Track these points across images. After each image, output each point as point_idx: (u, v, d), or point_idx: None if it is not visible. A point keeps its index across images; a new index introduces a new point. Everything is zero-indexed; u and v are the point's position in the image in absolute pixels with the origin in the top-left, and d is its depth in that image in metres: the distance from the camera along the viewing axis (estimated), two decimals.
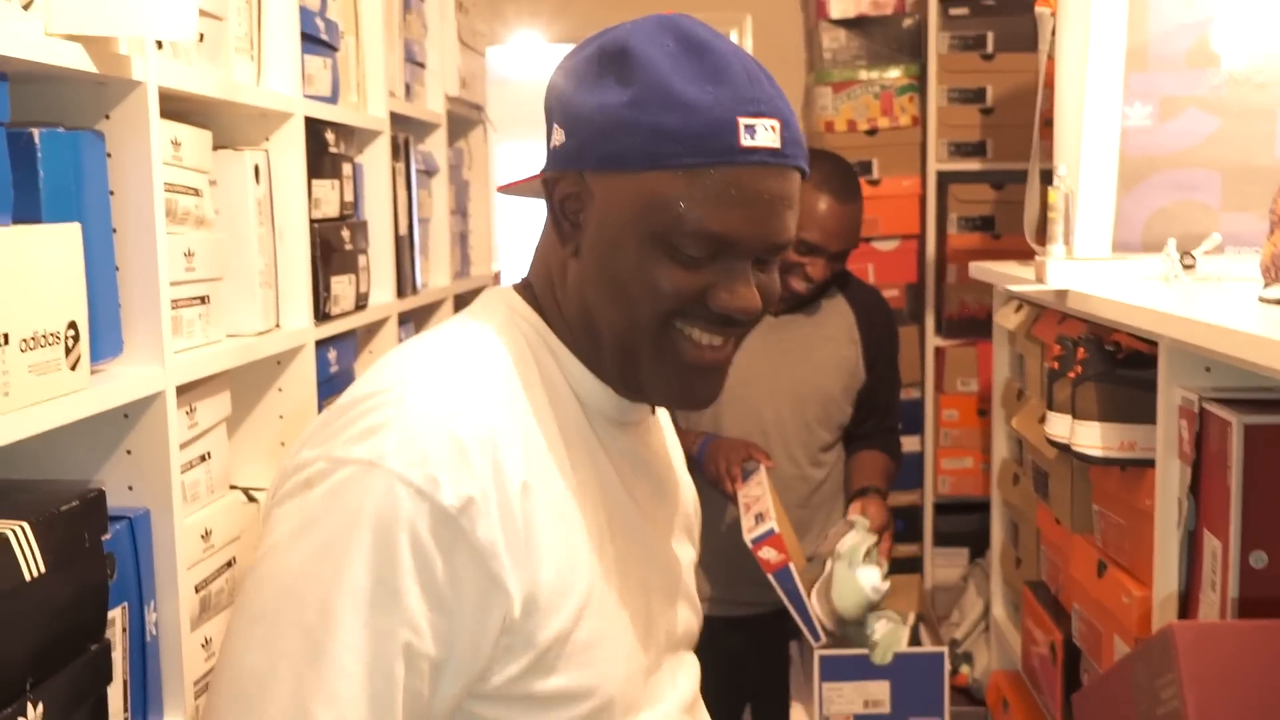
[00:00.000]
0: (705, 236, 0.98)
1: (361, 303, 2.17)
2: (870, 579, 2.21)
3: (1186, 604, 1.46)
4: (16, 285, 1.14)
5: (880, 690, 2.35)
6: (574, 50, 1.07)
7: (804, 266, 2.41)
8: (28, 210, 1.21)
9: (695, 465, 2.39)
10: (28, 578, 1.14)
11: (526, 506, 0.95)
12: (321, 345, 1.99)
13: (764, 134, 0.97)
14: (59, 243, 1.22)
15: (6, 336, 1.12)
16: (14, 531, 1.13)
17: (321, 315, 1.97)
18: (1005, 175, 3.65)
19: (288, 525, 0.93)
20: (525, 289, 1.11)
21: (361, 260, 2.16)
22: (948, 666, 2.36)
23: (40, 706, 1.16)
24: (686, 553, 1.23)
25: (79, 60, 1.24)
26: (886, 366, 2.63)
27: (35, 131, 1.22)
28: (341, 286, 2.06)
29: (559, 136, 1.03)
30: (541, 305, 1.09)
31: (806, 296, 2.48)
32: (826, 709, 2.33)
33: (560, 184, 1.04)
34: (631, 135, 0.97)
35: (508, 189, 1.17)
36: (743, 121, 0.96)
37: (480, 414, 0.96)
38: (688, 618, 1.21)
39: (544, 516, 0.97)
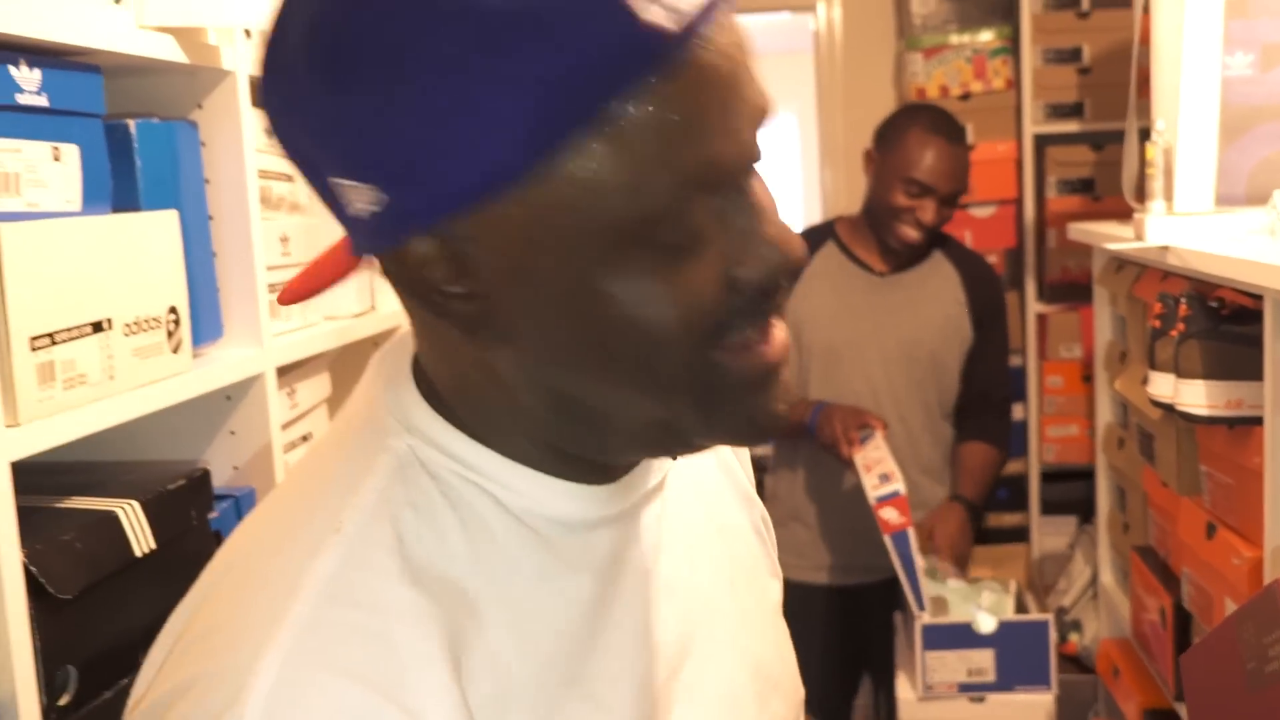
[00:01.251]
0: (686, 194, 0.59)
1: None
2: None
3: None
4: (118, 271, 1.18)
5: (984, 659, 2.33)
6: (269, 44, 0.60)
7: (914, 211, 2.40)
8: (126, 199, 1.25)
9: (808, 432, 2.41)
10: (138, 554, 1.18)
11: None
12: None
13: None
14: (158, 230, 1.26)
15: (110, 321, 1.16)
16: (124, 509, 1.17)
17: None
18: (1104, 136, 3.56)
19: None
20: (425, 386, 0.69)
21: None
22: (1054, 634, 2.33)
23: None
24: (760, 600, 0.86)
25: (170, 51, 1.27)
26: (993, 329, 2.61)
27: (131, 122, 1.26)
28: None
29: (364, 196, 0.59)
30: (454, 409, 0.68)
31: (917, 248, 2.47)
32: (930, 678, 2.32)
33: (408, 259, 0.60)
34: (489, 133, 0.55)
35: (294, 299, 0.76)
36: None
37: (366, 701, 0.59)
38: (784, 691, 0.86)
39: None
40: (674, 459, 0.75)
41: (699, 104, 0.57)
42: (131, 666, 1.18)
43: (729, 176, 0.60)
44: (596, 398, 0.64)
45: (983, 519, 2.60)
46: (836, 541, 2.55)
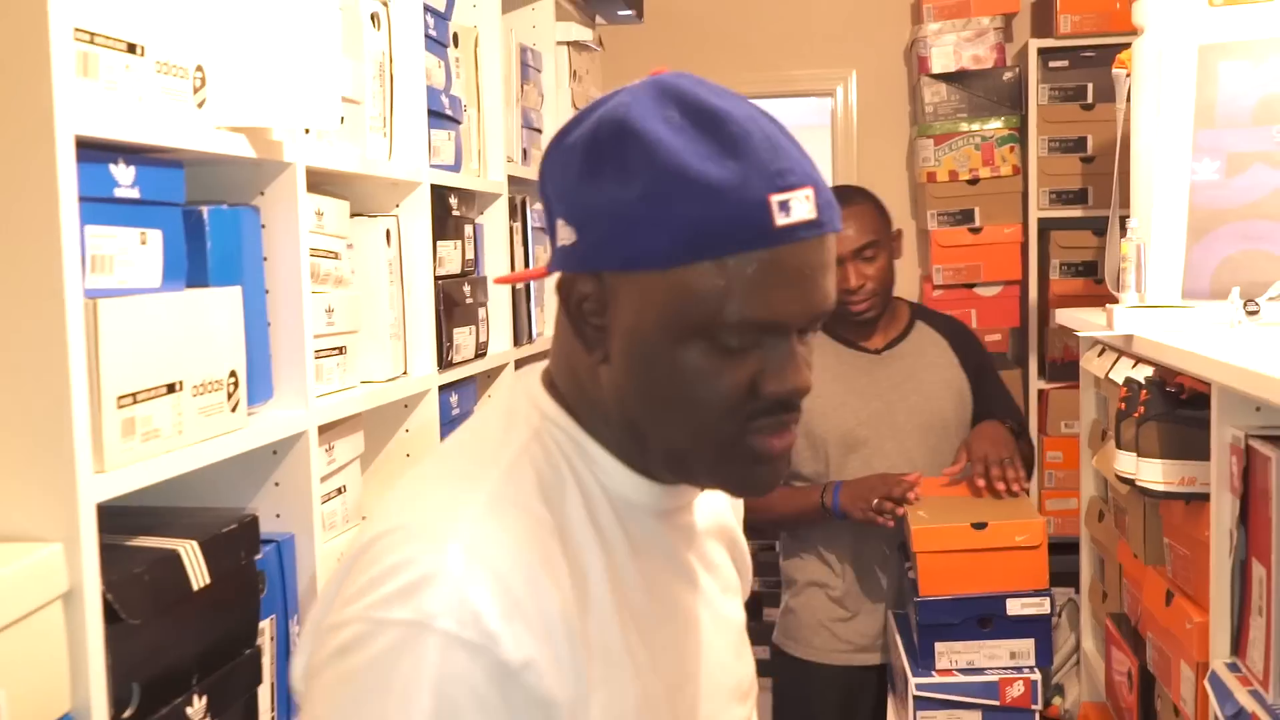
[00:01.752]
0: (750, 326, 0.89)
1: (481, 351, 2.37)
2: None
3: (1239, 629, 1.57)
4: (189, 340, 1.36)
5: (971, 718, 2.45)
6: (566, 127, 0.97)
7: (840, 284, 2.49)
8: (197, 276, 1.43)
9: (829, 514, 2.50)
10: (195, 588, 1.34)
11: (576, 655, 0.89)
12: (444, 390, 2.19)
13: (799, 207, 0.88)
14: (224, 304, 1.44)
15: (181, 383, 1.34)
16: (185, 549, 1.34)
17: (445, 363, 2.18)
18: (1106, 222, 3.72)
19: (332, 700, 0.86)
20: (552, 386, 1.02)
21: (481, 312, 2.36)
22: (1042, 695, 2.45)
23: (204, 699, 1.36)
24: (737, 614, 1.15)
25: (241, 148, 1.46)
26: (990, 378, 2.73)
27: (204, 209, 1.44)
28: (463, 337, 2.26)
29: (566, 234, 0.94)
30: (571, 405, 1.00)
31: (870, 309, 2.56)
32: None
33: (576, 286, 0.94)
34: (652, 232, 0.88)
35: (509, 280, 1.09)
36: (775, 199, 0.88)
37: (527, 561, 0.89)
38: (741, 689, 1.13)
39: (595, 657, 0.91)
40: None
41: (780, 280, 0.89)
42: (185, 687, 1.35)
43: (778, 329, 0.91)
44: (647, 423, 0.95)
45: (1022, 437, 2.62)
46: (859, 622, 2.62)
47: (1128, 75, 2.19)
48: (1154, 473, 1.76)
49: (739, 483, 0.97)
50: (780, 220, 0.88)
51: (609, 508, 0.97)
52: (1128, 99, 2.20)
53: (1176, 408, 1.76)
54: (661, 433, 0.94)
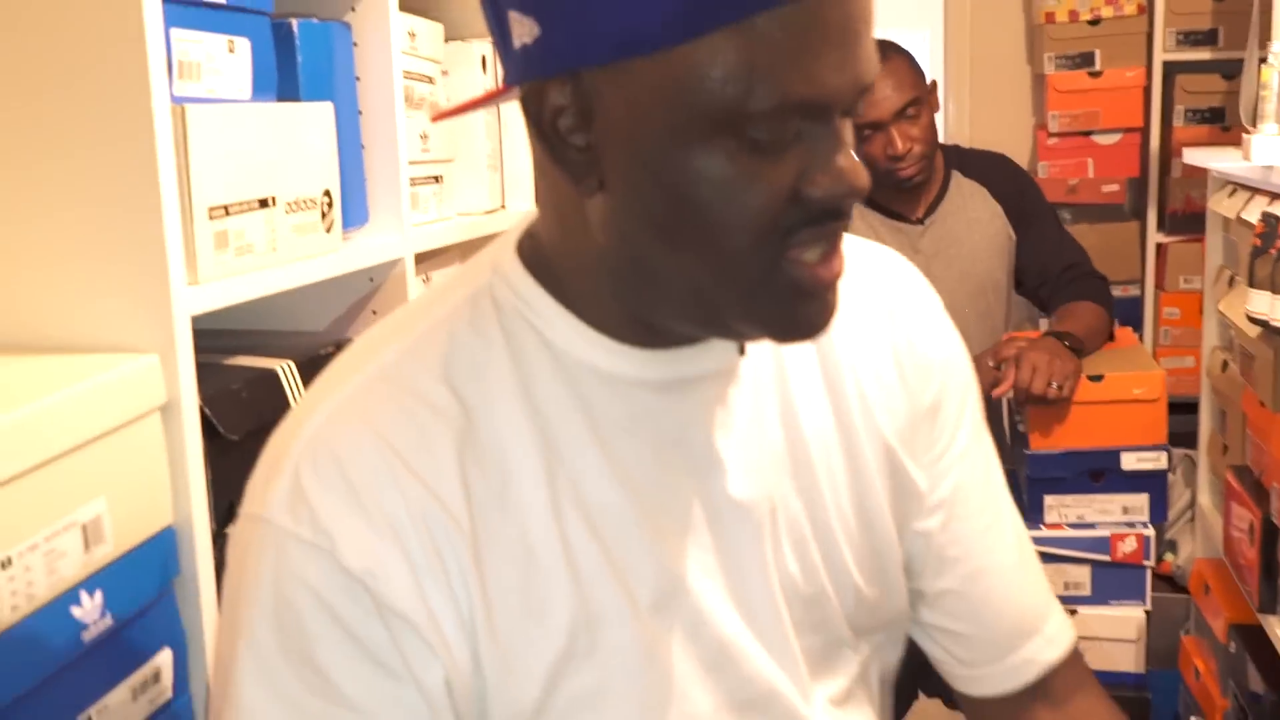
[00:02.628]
0: (788, 109, 0.67)
1: None
2: None
3: None
4: (281, 155, 1.32)
5: (1081, 573, 2.39)
6: None
7: (886, 150, 2.32)
8: (288, 90, 1.38)
9: None
10: (293, 406, 1.33)
11: (452, 569, 0.73)
12: None
13: None
14: (315, 119, 1.39)
15: (274, 199, 1.30)
16: (282, 368, 1.32)
17: None
18: (1238, 65, 3.48)
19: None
20: (530, 237, 0.80)
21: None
22: (1154, 552, 2.39)
23: None
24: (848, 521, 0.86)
25: None
26: (1035, 213, 2.52)
27: (294, 21, 1.39)
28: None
29: (524, 29, 0.69)
30: (549, 259, 0.78)
31: (920, 173, 2.38)
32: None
33: (547, 98, 0.70)
34: (635, 2, 0.65)
35: (446, 115, 0.89)
36: None
37: (385, 454, 0.74)
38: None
39: (502, 571, 0.74)
40: (738, 345, 0.80)
41: (817, 42, 0.66)
42: None
43: (821, 109, 0.68)
44: (659, 257, 0.71)
45: (1082, 353, 2.34)
46: None
47: None
48: None
49: (781, 325, 0.73)
50: None
51: (562, 383, 0.77)
52: None
53: None
54: (682, 269, 0.71)
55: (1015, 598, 0.92)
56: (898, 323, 0.89)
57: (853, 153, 0.70)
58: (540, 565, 0.75)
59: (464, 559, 0.73)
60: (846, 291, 0.77)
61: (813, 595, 0.83)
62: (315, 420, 0.75)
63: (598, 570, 0.76)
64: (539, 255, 0.79)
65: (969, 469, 0.91)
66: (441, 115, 0.88)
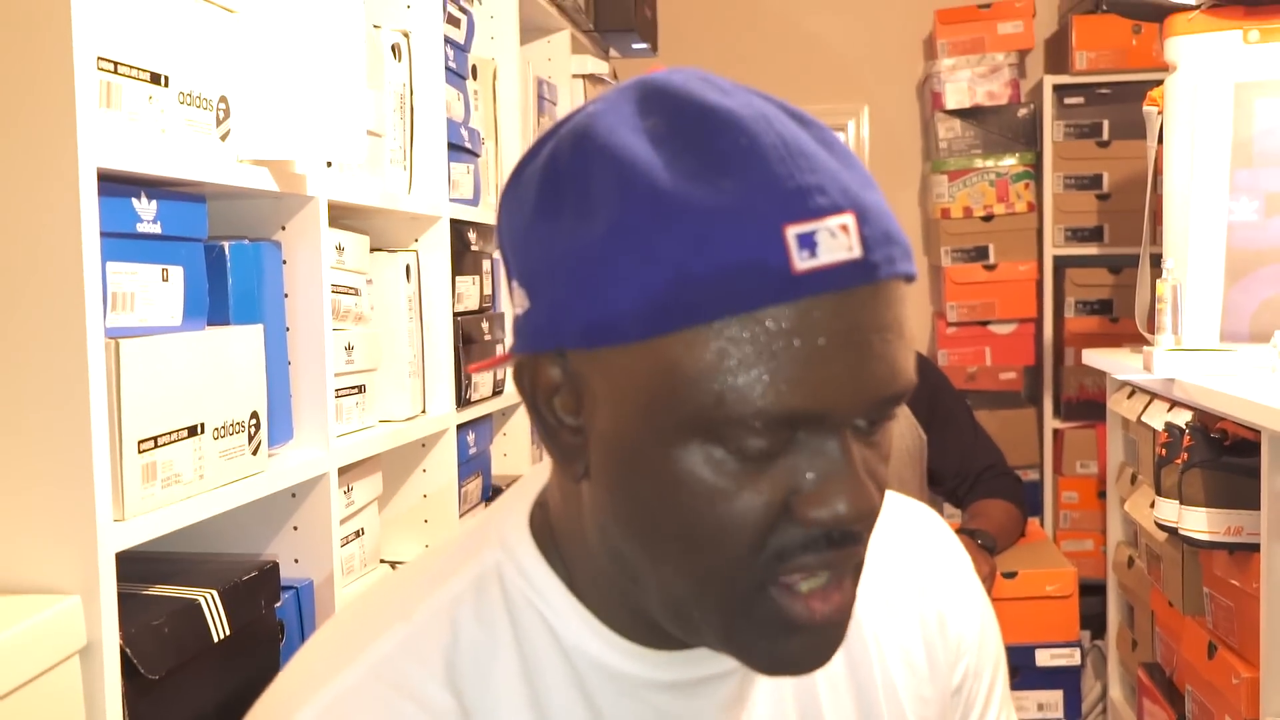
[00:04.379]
0: (770, 420, 0.61)
1: (498, 389, 2.32)
2: None
3: None
4: (211, 381, 1.30)
5: None
6: (526, 155, 0.70)
7: None
8: (218, 313, 1.38)
9: None
10: (215, 639, 1.28)
11: None
12: (462, 429, 2.14)
13: (830, 243, 0.60)
14: (245, 342, 1.38)
15: (203, 426, 1.28)
16: (205, 598, 1.28)
17: (463, 401, 2.12)
18: (1123, 260, 3.69)
19: None
20: (542, 508, 0.76)
21: (499, 349, 2.31)
22: None
23: None
24: None
25: (264, 181, 1.41)
26: (948, 412, 2.55)
27: (226, 245, 1.39)
28: (481, 374, 2.21)
29: (520, 300, 0.67)
30: (556, 535, 0.74)
31: None
32: None
33: (540, 374, 0.67)
34: (619, 287, 0.61)
35: (479, 369, 0.87)
36: (792, 231, 0.59)
37: None
38: None
39: None
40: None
41: (813, 352, 0.60)
42: None
43: (816, 421, 0.61)
44: (637, 561, 0.66)
45: (994, 551, 2.38)
46: None
47: (1159, 113, 2.15)
48: (1198, 521, 1.71)
49: (762, 659, 0.65)
50: (802, 263, 0.59)
51: (572, 682, 0.71)
52: (1159, 137, 2.16)
53: (1222, 455, 1.71)
54: (659, 577, 0.66)
55: None
56: (928, 596, 0.83)
57: (861, 470, 0.63)
58: None
59: None
60: (873, 555, 0.72)
61: None
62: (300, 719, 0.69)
63: None
64: (550, 531, 0.73)
65: None
66: (475, 368, 0.82)
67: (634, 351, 0.62)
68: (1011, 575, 2.33)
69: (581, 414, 0.66)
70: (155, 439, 1.20)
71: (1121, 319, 3.70)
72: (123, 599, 1.16)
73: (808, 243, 0.59)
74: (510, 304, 0.70)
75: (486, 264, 2.29)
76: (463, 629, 0.71)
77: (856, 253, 0.60)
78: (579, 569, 0.72)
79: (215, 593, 1.30)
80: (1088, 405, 3.73)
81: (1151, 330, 2.11)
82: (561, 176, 0.65)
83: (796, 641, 0.64)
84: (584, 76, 3.02)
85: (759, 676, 0.75)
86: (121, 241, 1.19)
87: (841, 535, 0.63)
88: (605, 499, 0.67)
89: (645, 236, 0.60)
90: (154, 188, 1.25)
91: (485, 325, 2.23)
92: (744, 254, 0.59)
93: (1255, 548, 1.61)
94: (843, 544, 0.63)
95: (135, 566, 1.29)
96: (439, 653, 0.70)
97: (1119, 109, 3.71)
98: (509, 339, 0.67)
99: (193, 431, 1.27)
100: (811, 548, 0.63)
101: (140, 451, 1.17)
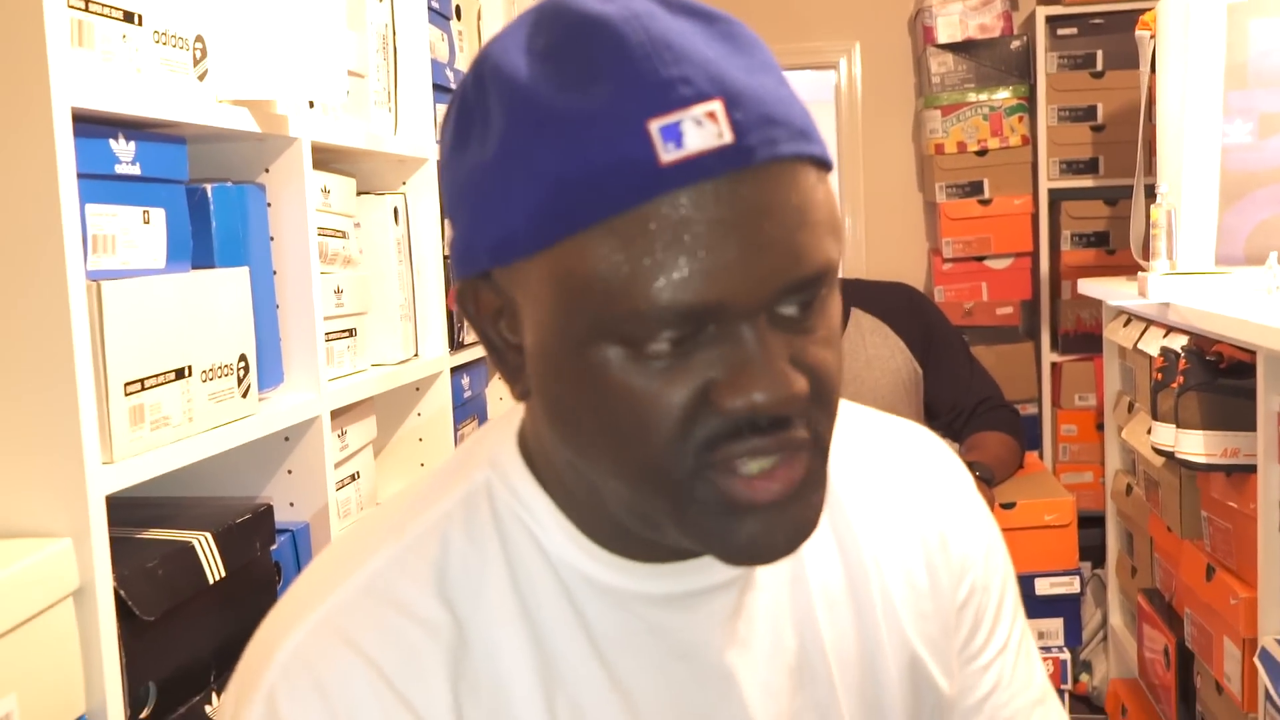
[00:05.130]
0: (668, 314, 0.61)
1: None
2: None
3: None
4: (197, 323, 1.30)
5: None
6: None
7: None
8: (203, 257, 1.36)
9: None
10: (210, 581, 1.28)
11: None
12: (456, 372, 2.13)
13: (698, 131, 0.60)
14: (231, 285, 1.37)
15: (190, 368, 1.28)
16: (199, 540, 1.28)
17: (455, 344, 2.12)
18: (1118, 191, 3.66)
19: None
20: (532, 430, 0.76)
21: None
22: (1070, 675, 2.41)
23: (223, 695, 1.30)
24: None
25: (245, 122, 1.39)
26: (943, 343, 2.53)
27: (208, 187, 1.38)
28: None
29: (449, 229, 0.71)
30: (534, 459, 0.75)
31: None
32: None
33: (479, 298, 0.69)
34: (511, 202, 0.63)
35: (453, 299, 0.87)
36: (655, 125, 0.60)
37: (371, 680, 0.69)
38: None
39: None
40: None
41: (687, 248, 0.60)
42: (203, 685, 1.29)
43: (716, 312, 0.61)
44: (586, 468, 0.68)
45: (992, 483, 2.35)
46: None
47: (1152, 37, 2.13)
48: (1195, 444, 1.70)
49: (723, 545, 0.65)
50: (667, 155, 0.59)
51: (561, 595, 0.72)
52: (1152, 62, 2.13)
53: (1217, 377, 1.71)
54: (605, 483, 0.67)
55: None
56: (929, 516, 0.83)
57: (776, 357, 0.62)
58: None
59: None
60: (873, 477, 0.73)
61: None
62: (293, 639, 0.69)
63: None
64: (530, 453, 0.74)
65: (1007, 663, 0.85)
66: (450, 299, 0.82)
67: (536, 264, 0.64)
68: (1010, 506, 2.33)
69: (519, 334, 0.68)
70: (142, 381, 1.19)
71: (1118, 251, 3.69)
72: (117, 543, 1.16)
73: (672, 134, 0.60)
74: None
75: None
76: (453, 545, 0.72)
77: (727, 138, 0.60)
78: (558, 487, 0.73)
79: (209, 535, 1.29)
80: (1085, 338, 3.73)
81: (1147, 258, 2.10)
82: (467, 106, 0.67)
83: (749, 524, 0.64)
84: None
85: (756, 592, 0.75)
86: (100, 183, 1.18)
87: (770, 421, 0.63)
88: (541, 410, 0.69)
89: (529, 151, 0.62)
90: (132, 129, 1.23)
91: None
92: (613, 155, 0.60)
93: (1252, 469, 1.61)
94: (773, 430, 0.63)
95: (128, 511, 1.29)
96: (430, 568, 0.71)
97: (1112, 39, 3.67)
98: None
99: (180, 374, 1.26)
100: (737, 436, 0.63)
101: (127, 394, 1.17)
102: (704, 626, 0.73)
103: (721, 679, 0.73)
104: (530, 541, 0.72)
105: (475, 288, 0.69)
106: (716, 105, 0.60)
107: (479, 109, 0.66)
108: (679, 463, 0.64)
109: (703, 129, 0.60)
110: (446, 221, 0.72)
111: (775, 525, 0.65)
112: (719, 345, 0.62)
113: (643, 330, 0.61)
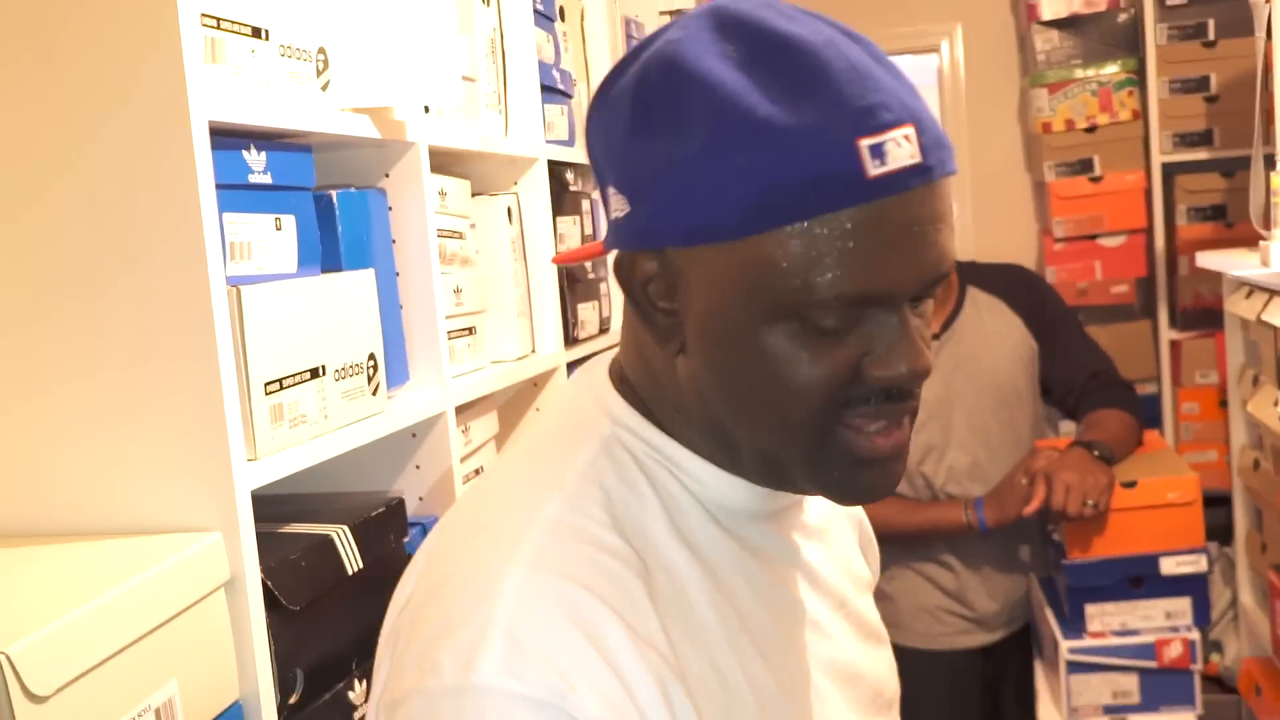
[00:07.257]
0: (848, 300, 0.74)
1: (604, 326, 2.35)
2: None
3: None
4: (328, 325, 1.35)
5: (1129, 681, 2.37)
6: (609, 75, 0.82)
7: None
8: (330, 259, 1.42)
9: (974, 531, 2.34)
10: (349, 572, 1.34)
11: (667, 700, 0.77)
12: (571, 367, 2.17)
13: (897, 151, 0.72)
14: (358, 287, 1.42)
15: (324, 368, 1.33)
16: (337, 533, 1.33)
17: (570, 339, 2.15)
18: (1235, 162, 3.57)
19: None
20: (623, 382, 0.87)
21: (603, 287, 2.34)
22: (1200, 655, 2.37)
23: (365, 683, 1.35)
24: (870, 612, 1.00)
25: (366, 129, 1.44)
26: (1057, 322, 2.52)
27: (334, 193, 1.43)
28: (587, 312, 2.24)
29: (619, 205, 0.79)
30: (646, 403, 0.86)
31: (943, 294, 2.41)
32: (1074, 700, 2.37)
33: (637, 267, 0.80)
34: (717, 196, 0.73)
35: (565, 260, 0.98)
36: (865, 144, 0.72)
37: (590, 606, 0.76)
38: (880, 684, 0.98)
39: (702, 693, 0.79)
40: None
41: (882, 243, 0.74)
42: (345, 672, 1.34)
43: (883, 299, 0.75)
44: (732, 420, 0.80)
45: (1112, 462, 2.33)
46: (967, 601, 2.48)
47: (1268, 2, 2.08)
48: None
49: (842, 489, 0.81)
50: (874, 169, 0.72)
51: (707, 518, 0.84)
52: (1268, 30, 2.09)
53: None
54: (750, 433, 0.80)
55: None
56: None
57: (918, 338, 0.77)
58: (734, 694, 0.81)
59: (682, 699, 0.77)
60: None
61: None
62: (511, 580, 0.76)
63: (770, 688, 0.83)
64: (640, 401, 0.86)
65: None
66: (561, 259, 0.97)
67: (729, 248, 0.75)
68: (1131, 485, 2.30)
69: (676, 299, 0.79)
70: (280, 381, 1.24)
71: (1237, 224, 3.59)
72: (260, 536, 1.21)
73: (878, 153, 0.72)
74: (608, 207, 0.81)
75: (586, 204, 2.31)
76: (611, 490, 0.82)
77: (918, 158, 0.74)
78: (680, 431, 0.84)
79: (347, 528, 1.35)
80: (1205, 313, 3.64)
81: (1268, 227, 2.06)
82: (653, 98, 0.77)
83: (866, 472, 0.80)
84: (671, 13, 3.01)
85: (815, 501, 0.93)
86: (235, 193, 1.23)
87: (899, 391, 0.78)
88: (702, 370, 0.80)
89: (739, 153, 0.73)
90: (262, 139, 1.29)
91: (588, 264, 2.26)
92: (825, 167, 0.72)
93: None
94: (899, 399, 0.79)
95: (268, 507, 1.35)
96: (600, 510, 0.81)
97: (1224, 7, 3.58)
98: (605, 237, 0.84)
99: (315, 373, 1.31)
100: (873, 400, 0.78)
101: (267, 393, 1.22)
102: (794, 534, 0.90)
103: (810, 574, 0.91)
104: (670, 477, 0.84)
105: (633, 258, 0.80)
106: (911, 130, 0.74)
107: (669, 102, 0.75)
108: (821, 420, 0.77)
109: (901, 149, 0.73)
110: (615, 193, 0.80)
111: (885, 474, 0.80)
112: (872, 325, 0.76)
113: (819, 311, 0.75)
